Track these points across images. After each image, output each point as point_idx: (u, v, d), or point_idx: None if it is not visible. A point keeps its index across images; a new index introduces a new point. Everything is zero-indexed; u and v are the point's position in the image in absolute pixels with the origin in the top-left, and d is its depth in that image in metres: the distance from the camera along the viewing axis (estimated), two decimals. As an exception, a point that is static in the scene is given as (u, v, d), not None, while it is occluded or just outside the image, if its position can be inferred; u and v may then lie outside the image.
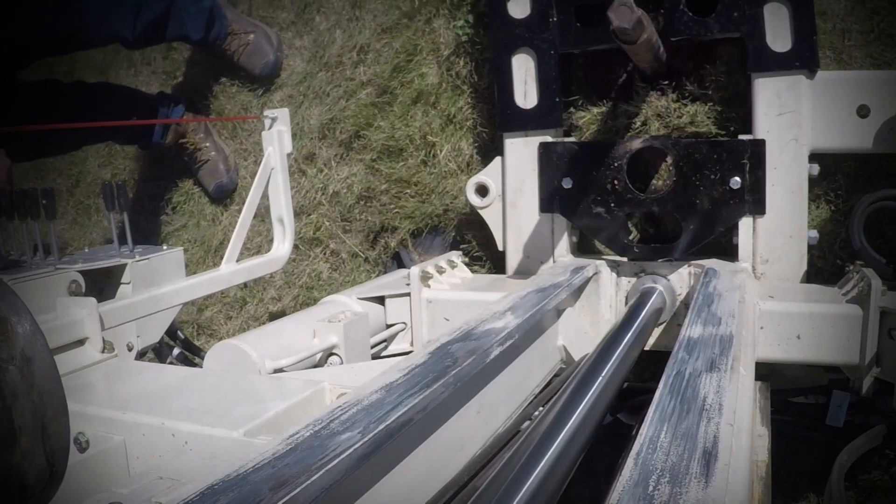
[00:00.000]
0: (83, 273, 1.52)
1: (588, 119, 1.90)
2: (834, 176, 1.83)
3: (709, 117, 1.83)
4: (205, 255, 2.68)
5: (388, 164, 2.33)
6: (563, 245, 1.86)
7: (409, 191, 2.30)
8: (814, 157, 1.69)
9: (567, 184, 1.74)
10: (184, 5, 2.37)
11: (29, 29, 2.03)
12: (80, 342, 1.38)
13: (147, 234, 2.75)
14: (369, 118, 2.37)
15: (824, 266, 1.83)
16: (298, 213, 2.48)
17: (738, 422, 0.85)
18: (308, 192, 2.49)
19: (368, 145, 2.38)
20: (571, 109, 1.93)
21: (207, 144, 2.62)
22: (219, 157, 2.63)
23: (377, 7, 2.42)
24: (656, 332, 1.63)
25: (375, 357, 1.73)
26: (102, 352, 1.40)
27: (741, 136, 1.67)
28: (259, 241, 2.56)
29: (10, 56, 2.08)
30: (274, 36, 2.60)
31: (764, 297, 1.54)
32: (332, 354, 1.57)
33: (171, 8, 2.33)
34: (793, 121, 1.66)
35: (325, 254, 2.50)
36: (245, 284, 2.58)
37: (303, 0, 2.59)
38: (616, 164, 1.70)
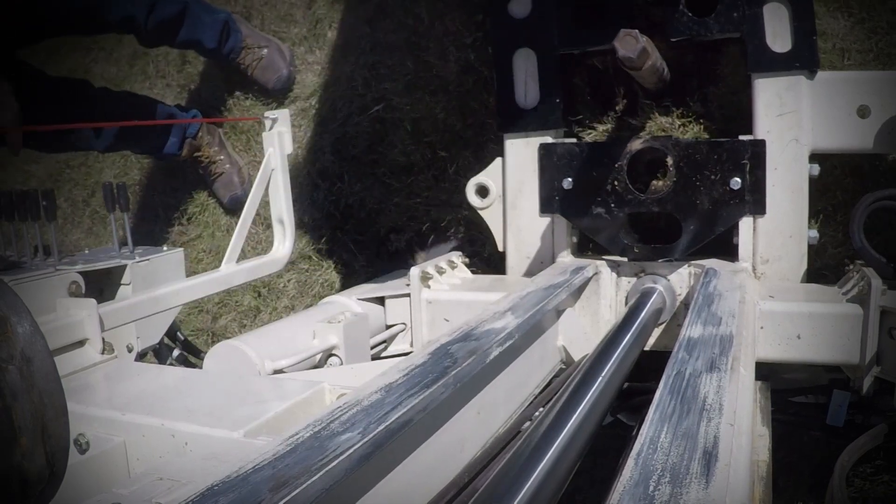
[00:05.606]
0: (83, 274, 1.52)
1: (594, 136, 1.90)
2: (833, 192, 1.83)
3: (712, 135, 1.83)
4: (218, 266, 2.71)
5: (399, 178, 2.35)
6: (564, 245, 1.85)
7: (418, 200, 2.32)
8: (814, 157, 1.69)
9: (567, 184, 1.74)
10: (198, 13, 2.40)
11: (43, 2, 2.04)
12: (80, 343, 1.38)
13: (162, 244, 2.79)
14: (381, 134, 2.39)
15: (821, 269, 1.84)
16: (312, 226, 2.53)
17: (739, 422, 0.84)
18: (321, 204, 2.54)
19: (380, 160, 2.40)
20: (577, 128, 1.93)
21: (222, 157, 2.67)
22: (233, 169, 2.69)
23: (388, 24, 2.45)
24: (656, 332, 1.63)
25: (375, 358, 1.73)
26: (102, 353, 1.40)
27: (741, 137, 1.67)
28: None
29: (22, 30, 2.08)
30: (287, 51, 2.63)
31: (764, 296, 1.54)
32: (331, 355, 1.57)
33: (185, 11, 2.36)
34: (793, 121, 1.66)
35: (337, 264, 2.52)
36: (259, 293, 2.62)
37: (315, 16, 2.63)
38: (616, 165, 1.69)
